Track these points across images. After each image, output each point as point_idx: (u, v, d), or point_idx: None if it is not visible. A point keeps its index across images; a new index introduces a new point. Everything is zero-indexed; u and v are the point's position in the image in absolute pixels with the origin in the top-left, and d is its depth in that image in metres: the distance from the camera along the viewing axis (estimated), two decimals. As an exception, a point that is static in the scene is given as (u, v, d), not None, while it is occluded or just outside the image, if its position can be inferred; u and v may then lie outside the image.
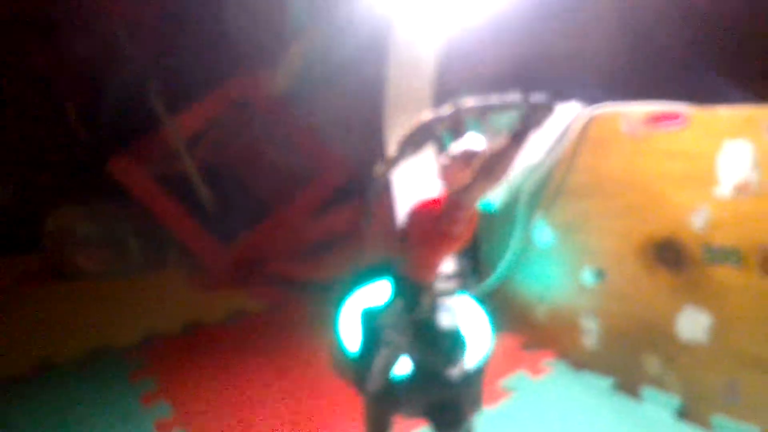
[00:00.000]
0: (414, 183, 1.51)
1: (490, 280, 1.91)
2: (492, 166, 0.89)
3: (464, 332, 1.06)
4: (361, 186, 2.31)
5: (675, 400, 1.50)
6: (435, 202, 1.00)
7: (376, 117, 1.82)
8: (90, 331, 2.09)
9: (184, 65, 2.24)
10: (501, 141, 0.88)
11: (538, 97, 0.86)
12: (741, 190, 1.34)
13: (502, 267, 1.89)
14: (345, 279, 1.82)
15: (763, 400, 1.34)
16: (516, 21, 1.79)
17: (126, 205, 2.46)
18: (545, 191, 1.76)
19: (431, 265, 1.01)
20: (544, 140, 1.69)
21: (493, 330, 1.75)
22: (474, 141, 1.00)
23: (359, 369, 1.06)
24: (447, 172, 1.00)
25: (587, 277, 1.69)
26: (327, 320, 1.83)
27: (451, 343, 1.02)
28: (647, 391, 1.57)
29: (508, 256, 1.86)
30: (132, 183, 2.37)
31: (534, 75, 1.82)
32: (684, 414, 1.49)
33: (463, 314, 1.12)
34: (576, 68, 1.87)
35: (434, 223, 0.97)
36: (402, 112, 1.84)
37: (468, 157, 0.97)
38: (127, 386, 1.74)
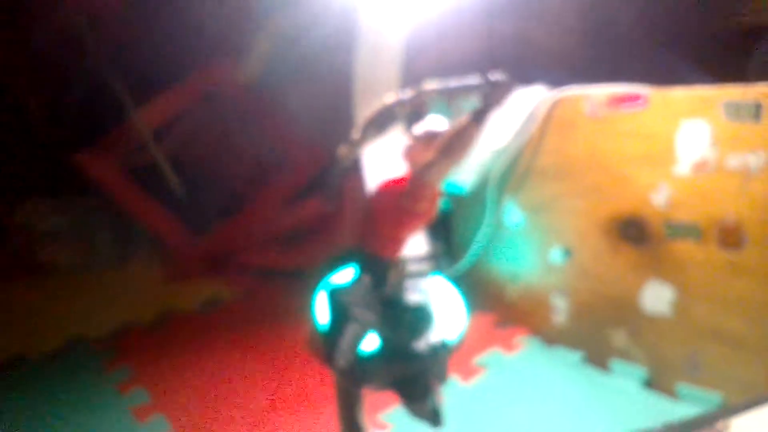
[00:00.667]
0: (382, 163, 1.52)
1: (463, 261, 1.95)
2: (453, 144, 0.92)
3: (431, 307, 1.09)
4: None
5: (641, 371, 1.56)
6: (400, 180, 1.03)
7: (346, 104, 1.83)
8: (62, 324, 2.06)
9: (151, 56, 2.20)
10: (461, 120, 0.91)
11: (496, 75, 0.89)
12: (699, 168, 1.39)
13: (473, 248, 1.92)
14: (323, 264, 1.83)
15: (723, 370, 1.41)
16: (481, 8, 1.81)
17: (95, 197, 2.42)
18: (514, 173, 1.80)
19: (397, 242, 1.04)
20: (511, 124, 1.72)
21: (467, 309, 1.80)
22: (436, 122, 1.03)
23: (328, 345, 1.09)
24: (410, 152, 1.03)
25: (555, 255, 1.73)
26: (300, 307, 1.84)
27: (417, 318, 1.05)
28: (615, 364, 1.62)
29: (480, 238, 1.90)
30: (98, 175, 2.33)
31: (498, 60, 1.84)
32: (650, 384, 1.55)
33: (436, 295, 1.15)
34: (540, 53, 1.90)
35: (399, 201, 1.00)
36: (371, 98, 1.85)
37: (430, 137, 1.00)
38: (103, 376, 1.73)
